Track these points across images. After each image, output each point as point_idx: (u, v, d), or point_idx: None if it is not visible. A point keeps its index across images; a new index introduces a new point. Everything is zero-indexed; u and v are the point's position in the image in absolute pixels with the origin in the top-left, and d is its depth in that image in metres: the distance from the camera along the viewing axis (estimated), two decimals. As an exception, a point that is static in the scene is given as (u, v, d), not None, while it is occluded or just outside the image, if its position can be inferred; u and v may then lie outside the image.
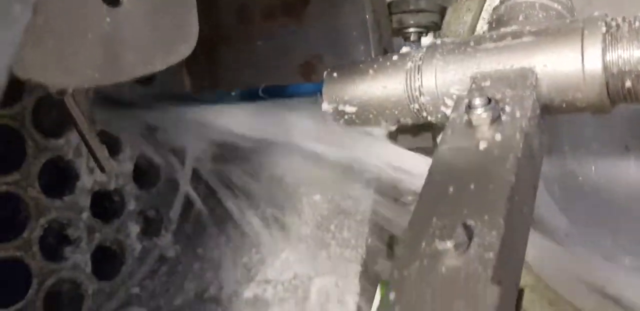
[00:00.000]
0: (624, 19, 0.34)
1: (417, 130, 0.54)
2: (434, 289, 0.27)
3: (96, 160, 0.49)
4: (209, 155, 0.65)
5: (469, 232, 0.28)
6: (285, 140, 0.58)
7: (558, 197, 0.65)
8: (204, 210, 0.67)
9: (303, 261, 0.60)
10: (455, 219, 0.29)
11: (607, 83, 0.34)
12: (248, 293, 0.60)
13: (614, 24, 0.34)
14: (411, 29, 0.60)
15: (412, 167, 0.50)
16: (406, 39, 0.62)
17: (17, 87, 0.57)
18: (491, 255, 0.27)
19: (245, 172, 0.66)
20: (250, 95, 0.53)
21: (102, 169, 0.50)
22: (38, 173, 0.58)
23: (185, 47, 0.36)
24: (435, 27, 0.61)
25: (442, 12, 0.61)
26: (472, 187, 0.31)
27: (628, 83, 0.33)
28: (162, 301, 0.64)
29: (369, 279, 0.57)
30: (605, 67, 0.33)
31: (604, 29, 0.34)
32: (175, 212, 0.68)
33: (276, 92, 0.51)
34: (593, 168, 0.64)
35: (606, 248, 0.63)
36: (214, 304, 0.61)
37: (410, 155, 0.51)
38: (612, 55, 0.33)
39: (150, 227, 0.69)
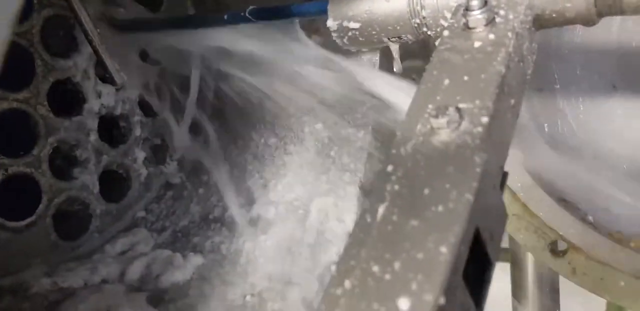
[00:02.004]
0: None
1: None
2: (428, 158, 0.31)
3: (107, 72, 0.52)
4: (212, 84, 0.69)
5: (461, 113, 0.33)
6: (288, 67, 0.62)
7: (547, 133, 0.70)
8: (208, 139, 0.71)
9: (304, 185, 0.65)
10: (449, 103, 0.34)
11: (597, -9, 0.38)
12: (251, 213, 0.65)
13: None
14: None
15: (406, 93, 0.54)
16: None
17: (25, 5, 0.60)
18: (480, 129, 0.31)
19: (248, 102, 0.69)
20: (238, 19, 0.55)
21: (114, 81, 0.53)
22: (47, 93, 0.62)
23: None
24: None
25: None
26: (465, 78, 0.35)
27: (616, -9, 0.37)
28: (168, 223, 0.70)
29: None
30: (596, -25, 0.37)
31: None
32: (180, 140, 0.72)
33: (264, 14, 0.54)
34: (582, 107, 0.68)
35: (591, 181, 0.68)
36: (218, 224, 0.66)
37: (403, 82, 0.55)
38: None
39: (156, 155, 0.73)
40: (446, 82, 0.35)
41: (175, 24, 0.62)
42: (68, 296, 0.55)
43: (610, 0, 0.38)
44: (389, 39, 0.49)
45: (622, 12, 0.39)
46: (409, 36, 0.48)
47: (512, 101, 0.36)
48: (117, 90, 0.66)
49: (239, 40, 0.61)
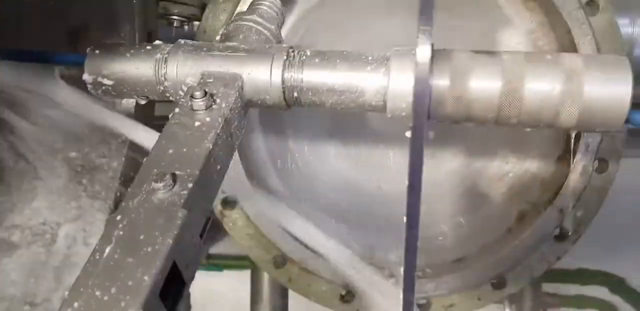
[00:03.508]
0: (299, 51, 0.59)
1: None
2: (147, 212, 0.47)
3: None
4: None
5: (175, 178, 0.49)
6: (50, 100, 0.71)
7: (279, 168, 0.93)
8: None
9: (53, 210, 0.74)
10: (168, 170, 0.50)
11: (284, 92, 0.58)
12: (-7, 237, 0.71)
13: (293, 53, 0.58)
14: (175, 17, 0.78)
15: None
16: (170, 23, 0.79)
17: None
18: (185, 192, 0.48)
19: (4, 126, 0.75)
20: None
21: None
22: None
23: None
24: (195, 18, 0.80)
25: (203, 7, 0.79)
26: (185, 150, 0.52)
27: (295, 94, 0.58)
28: None
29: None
30: (283, 81, 0.57)
31: (285, 57, 0.58)
32: None
33: (22, 56, 0.62)
34: (306, 148, 0.93)
35: (302, 211, 0.93)
36: (-46, 248, 0.70)
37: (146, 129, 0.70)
38: (287, 74, 0.57)
39: None
40: (170, 151, 0.51)
41: None
42: None
43: (294, 98, 0.59)
44: (138, 96, 0.63)
45: (301, 105, 0.61)
46: (156, 97, 0.63)
47: (219, 166, 0.54)
48: None
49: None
